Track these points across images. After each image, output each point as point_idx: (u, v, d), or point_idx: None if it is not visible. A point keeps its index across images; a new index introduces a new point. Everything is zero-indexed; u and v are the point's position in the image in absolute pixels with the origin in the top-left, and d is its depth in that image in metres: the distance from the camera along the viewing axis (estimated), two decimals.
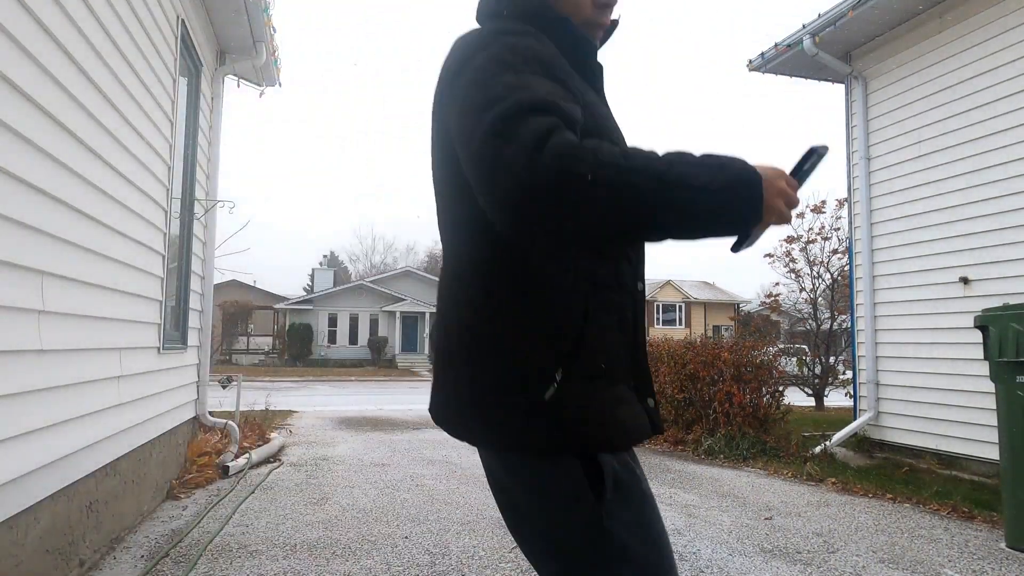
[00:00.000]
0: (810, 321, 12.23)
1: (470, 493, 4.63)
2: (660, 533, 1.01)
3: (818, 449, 6.01)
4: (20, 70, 2.24)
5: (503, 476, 1.03)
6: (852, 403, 6.71)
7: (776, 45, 6.44)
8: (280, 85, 6.88)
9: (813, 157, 0.95)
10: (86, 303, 2.93)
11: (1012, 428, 3.54)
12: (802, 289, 12.22)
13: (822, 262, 11.73)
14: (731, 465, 5.98)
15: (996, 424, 3.72)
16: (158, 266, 4.15)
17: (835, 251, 11.51)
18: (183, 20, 4.55)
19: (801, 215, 11.15)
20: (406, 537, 3.57)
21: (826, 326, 11.73)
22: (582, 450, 0.95)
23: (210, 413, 5.75)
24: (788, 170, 0.93)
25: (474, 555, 3.29)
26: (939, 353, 5.55)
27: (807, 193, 11.18)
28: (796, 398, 8.52)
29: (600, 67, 1.11)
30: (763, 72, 6.82)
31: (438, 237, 1.20)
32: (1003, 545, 3.57)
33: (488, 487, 1.09)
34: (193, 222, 5.25)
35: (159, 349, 4.19)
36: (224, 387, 7.40)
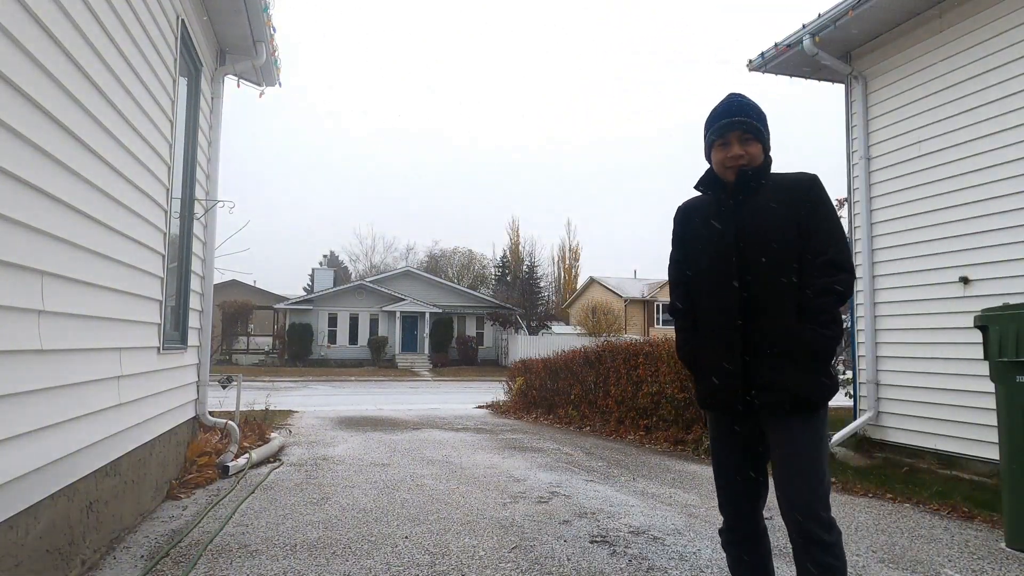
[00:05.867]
0: None
1: (470, 493, 4.63)
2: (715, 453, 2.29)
3: None
4: (20, 70, 2.24)
5: None
6: (852, 403, 6.71)
7: (776, 45, 6.44)
8: (280, 85, 6.88)
9: None
10: (86, 303, 2.93)
11: (1012, 428, 3.54)
12: None
13: None
14: None
15: (996, 424, 3.72)
16: (158, 266, 4.15)
17: None
18: (183, 20, 4.55)
19: None
20: (406, 537, 3.57)
21: None
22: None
23: (210, 413, 5.75)
24: None
25: (474, 555, 3.29)
26: (939, 353, 5.55)
27: None
28: None
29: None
30: (763, 72, 6.82)
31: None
32: (1003, 545, 3.57)
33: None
34: (193, 222, 5.24)
35: (159, 349, 4.19)
36: (224, 387, 7.40)
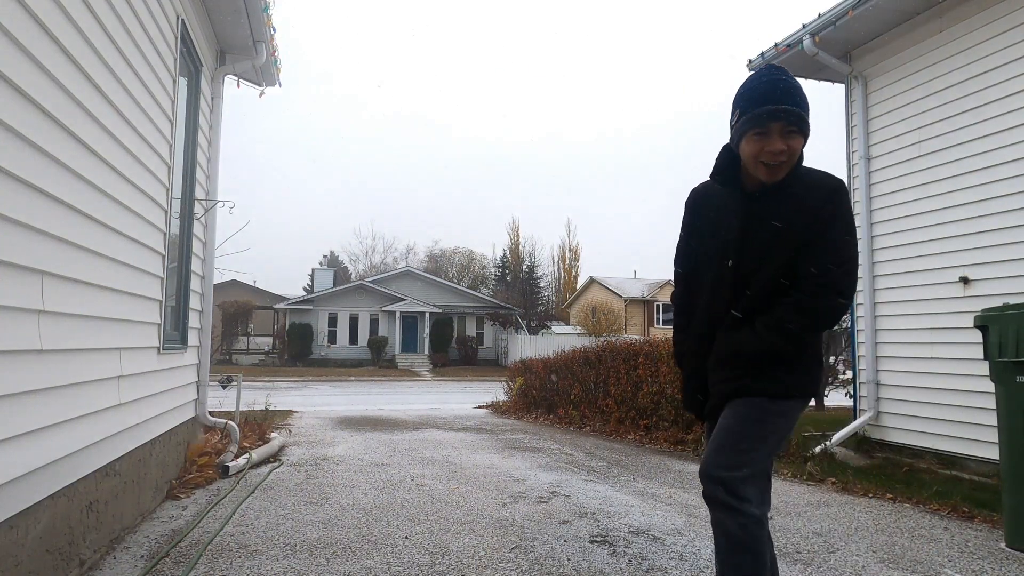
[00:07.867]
0: None
1: (470, 493, 4.63)
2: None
3: (818, 449, 6.01)
4: (20, 70, 2.24)
5: None
6: (852, 403, 6.70)
7: (776, 45, 6.44)
8: (280, 85, 6.88)
9: None
10: (86, 303, 2.93)
11: (1012, 428, 3.54)
12: None
13: None
14: None
15: (996, 424, 3.72)
16: (158, 266, 4.15)
17: None
18: (183, 20, 4.55)
19: None
20: (406, 537, 3.57)
21: None
22: None
23: (210, 413, 5.75)
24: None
25: (474, 555, 3.29)
26: (939, 353, 5.55)
27: None
28: None
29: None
30: None
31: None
32: (1003, 545, 3.57)
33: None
34: (193, 222, 5.24)
35: (159, 349, 4.19)
36: (224, 387, 7.41)
